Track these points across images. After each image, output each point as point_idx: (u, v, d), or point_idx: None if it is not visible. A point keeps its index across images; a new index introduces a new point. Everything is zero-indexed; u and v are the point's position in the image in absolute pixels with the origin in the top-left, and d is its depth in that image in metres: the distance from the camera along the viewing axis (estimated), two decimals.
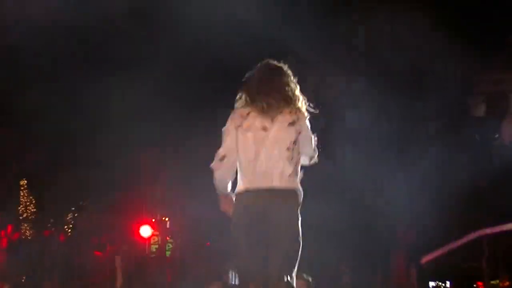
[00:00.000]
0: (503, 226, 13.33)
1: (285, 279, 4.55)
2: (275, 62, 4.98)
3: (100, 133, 17.13)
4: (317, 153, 4.95)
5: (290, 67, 5.01)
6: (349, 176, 18.15)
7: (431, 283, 16.42)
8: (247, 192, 4.70)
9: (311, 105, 4.91)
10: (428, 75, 19.61)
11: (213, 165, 4.83)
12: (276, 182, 4.66)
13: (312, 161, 4.94)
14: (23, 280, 18.52)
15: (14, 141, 16.70)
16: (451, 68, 19.31)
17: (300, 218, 4.71)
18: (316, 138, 4.94)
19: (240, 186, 4.76)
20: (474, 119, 18.07)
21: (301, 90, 4.92)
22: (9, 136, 16.58)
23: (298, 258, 4.66)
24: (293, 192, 4.69)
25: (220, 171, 4.80)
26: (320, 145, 5.04)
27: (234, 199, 4.80)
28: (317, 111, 4.96)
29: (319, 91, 16.96)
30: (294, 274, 4.64)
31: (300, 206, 4.73)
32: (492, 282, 14.44)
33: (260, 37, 16.14)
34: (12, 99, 16.14)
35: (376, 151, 18.72)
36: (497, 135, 17.42)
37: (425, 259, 15.39)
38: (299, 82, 4.93)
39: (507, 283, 12.96)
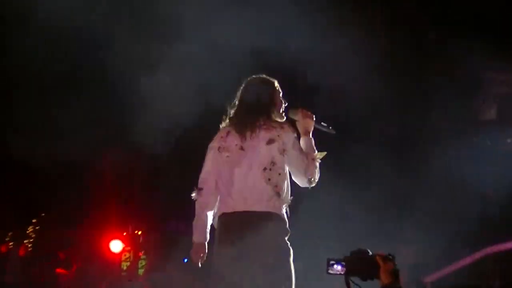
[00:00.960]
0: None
1: None
2: (260, 76, 5.04)
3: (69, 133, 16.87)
4: (316, 174, 4.85)
5: (279, 81, 5.07)
6: None
7: None
8: (224, 215, 4.78)
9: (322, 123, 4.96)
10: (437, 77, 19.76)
11: (193, 194, 4.88)
12: (253, 206, 4.68)
13: (311, 184, 4.86)
14: None
15: None
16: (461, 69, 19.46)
17: (289, 249, 4.68)
18: (322, 155, 4.90)
19: (217, 210, 4.85)
20: (485, 122, 18.20)
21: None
22: None
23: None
24: (272, 217, 4.67)
25: (201, 199, 4.82)
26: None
27: (215, 226, 4.86)
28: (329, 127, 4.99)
29: None
30: None
31: (286, 234, 4.70)
32: None
33: None
34: None
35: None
36: (510, 140, 17.56)
37: (429, 278, 15.31)
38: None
39: None
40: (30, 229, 27.18)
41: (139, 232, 22.84)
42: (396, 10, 20.20)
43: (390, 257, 4.08)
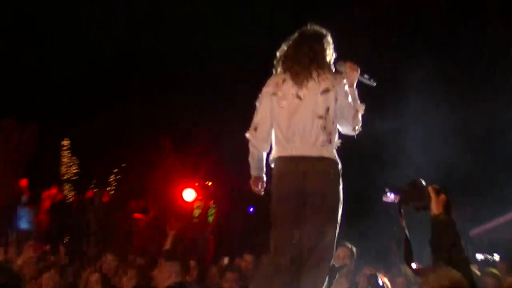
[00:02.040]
0: None
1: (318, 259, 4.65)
2: (313, 28, 5.02)
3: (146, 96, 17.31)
4: (360, 123, 4.92)
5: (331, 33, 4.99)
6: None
7: (479, 256, 16.44)
8: (280, 159, 4.83)
9: (365, 75, 4.90)
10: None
11: (247, 134, 4.97)
12: (309, 150, 4.74)
13: (356, 132, 4.94)
14: (65, 241, 18.77)
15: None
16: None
17: (339, 189, 4.77)
18: (363, 107, 4.92)
19: (274, 153, 4.90)
20: None
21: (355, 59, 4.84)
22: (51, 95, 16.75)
23: (336, 236, 4.74)
24: (327, 161, 4.77)
25: (254, 141, 4.95)
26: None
27: (272, 166, 4.92)
28: (371, 79, 4.93)
29: None
30: (330, 254, 4.74)
31: (338, 176, 4.80)
32: None
33: None
34: None
35: None
36: None
37: (474, 231, 15.56)
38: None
39: None
40: (111, 177, 27.64)
41: (210, 183, 23.23)
42: None
43: (443, 189, 4.07)
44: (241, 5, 17.52)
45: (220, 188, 23.30)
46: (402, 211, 4.08)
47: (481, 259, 16.12)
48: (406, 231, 4.11)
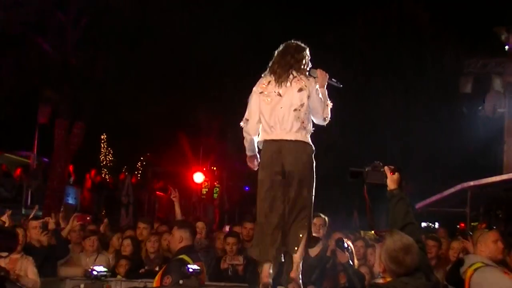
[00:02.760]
0: (482, 179, 13.52)
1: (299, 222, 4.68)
2: (293, 42, 5.02)
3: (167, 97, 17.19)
4: (328, 115, 4.92)
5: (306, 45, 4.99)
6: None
7: (423, 224, 16.50)
8: (265, 141, 4.86)
9: (333, 79, 4.95)
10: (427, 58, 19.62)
11: (241, 124, 5.00)
12: (286, 135, 4.76)
13: (325, 122, 4.93)
14: (103, 213, 18.78)
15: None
16: (446, 52, 19.30)
17: (311, 165, 4.79)
18: (331, 103, 4.94)
19: (260, 137, 4.91)
20: (463, 95, 17.96)
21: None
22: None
23: (312, 201, 4.76)
24: (300, 143, 4.77)
25: (246, 129, 4.96)
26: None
27: (260, 147, 4.94)
28: (337, 82, 4.98)
29: None
30: (307, 219, 4.74)
31: (310, 155, 4.81)
32: (473, 224, 14.55)
33: None
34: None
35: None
36: (480, 107, 17.32)
37: (419, 204, 15.62)
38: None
39: (484, 225, 12.99)
40: (139, 164, 28.01)
41: (215, 168, 23.47)
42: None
43: (397, 169, 3.96)
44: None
45: (223, 172, 23.33)
46: (365, 187, 4.01)
47: (424, 226, 16.20)
48: (369, 204, 4.08)
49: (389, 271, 3.43)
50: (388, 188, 3.91)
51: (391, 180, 3.91)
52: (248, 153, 5.03)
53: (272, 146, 4.81)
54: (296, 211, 4.75)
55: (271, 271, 4.67)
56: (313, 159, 4.83)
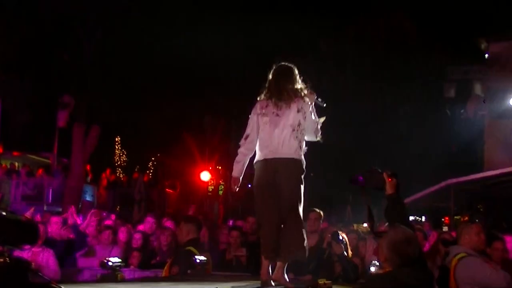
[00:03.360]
0: (464, 177, 13.54)
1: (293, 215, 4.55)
2: (285, 64, 4.86)
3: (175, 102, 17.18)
4: (320, 132, 4.79)
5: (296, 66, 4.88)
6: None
7: (411, 217, 16.44)
8: (263, 160, 4.65)
9: (318, 99, 4.83)
10: (414, 66, 19.63)
11: (240, 143, 4.78)
12: (284, 153, 4.59)
13: (317, 139, 4.78)
14: (117, 209, 18.77)
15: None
16: (431, 60, 19.31)
17: (302, 181, 4.65)
18: (320, 122, 4.80)
19: (257, 157, 4.70)
20: (447, 99, 17.99)
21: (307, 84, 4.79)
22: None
23: (301, 207, 4.63)
24: (297, 161, 4.62)
25: (244, 147, 4.74)
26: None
27: (255, 167, 4.70)
28: (322, 102, 4.86)
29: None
30: (300, 214, 4.61)
31: (303, 172, 4.67)
32: (456, 217, 14.54)
33: None
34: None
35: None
36: (463, 111, 17.35)
37: (406, 199, 15.61)
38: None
39: (466, 218, 12.91)
40: (150, 163, 28.19)
41: (220, 167, 23.36)
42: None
43: (394, 174, 3.91)
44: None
45: (227, 171, 23.24)
46: (365, 190, 4.01)
47: (412, 220, 16.15)
48: (369, 205, 4.06)
49: (391, 261, 3.39)
50: (386, 193, 3.87)
51: (390, 185, 3.87)
52: (235, 174, 4.78)
53: (269, 165, 4.61)
54: (288, 224, 4.60)
55: (270, 269, 4.57)
56: (302, 180, 4.67)
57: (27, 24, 14.31)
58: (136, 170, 23.79)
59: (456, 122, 18.22)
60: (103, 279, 5.17)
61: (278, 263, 4.55)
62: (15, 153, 19.95)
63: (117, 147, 28.80)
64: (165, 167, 24.54)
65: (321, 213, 6.41)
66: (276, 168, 4.59)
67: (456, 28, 18.97)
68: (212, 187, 23.11)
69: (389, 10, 20.45)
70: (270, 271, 4.57)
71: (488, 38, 17.58)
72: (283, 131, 4.62)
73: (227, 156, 21.76)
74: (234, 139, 20.96)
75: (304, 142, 4.71)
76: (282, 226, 4.59)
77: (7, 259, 2.70)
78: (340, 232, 5.97)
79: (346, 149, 19.11)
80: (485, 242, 4.64)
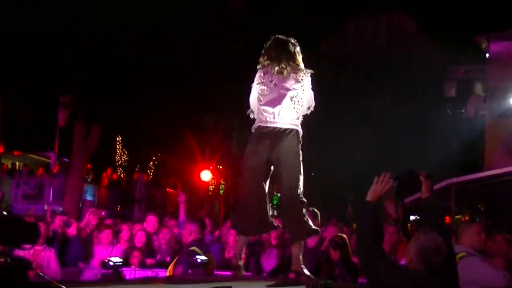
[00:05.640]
0: (465, 176, 13.53)
1: (295, 191, 4.51)
2: (282, 37, 4.86)
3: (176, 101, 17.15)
4: (313, 104, 4.77)
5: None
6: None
7: (412, 217, 16.44)
8: (259, 127, 4.65)
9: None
10: (414, 65, 19.66)
11: (249, 113, 4.84)
12: (280, 122, 4.57)
13: (310, 110, 4.77)
14: (118, 208, 18.78)
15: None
16: (432, 59, 19.33)
17: (300, 154, 4.63)
18: (313, 93, 4.79)
19: (256, 124, 4.70)
20: (448, 98, 18.00)
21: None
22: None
23: (301, 178, 4.59)
24: (294, 131, 4.60)
25: (253, 116, 4.76)
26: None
27: (252, 132, 4.73)
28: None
29: None
30: (300, 190, 4.57)
31: (300, 143, 4.65)
32: (457, 216, 14.53)
33: None
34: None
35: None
36: (463, 110, 17.36)
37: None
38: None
39: (467, 218, 12.98)
40: (151, 163, 28.34)
41: (220, 167, 23.35)
42: None
43: (430, 176, 3.71)
44: None
45: (228, 170, 23.26)
46: (400, 193, 3.83)
47: (413, 219, 16.14)
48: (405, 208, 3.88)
49: (415, 265, 3.30)
50: (422, 196, 3.67)
51: (426, 187, 3.67)
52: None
53: (266, 137, 4.60)
54: (288, 198, 4.57)
55: (243, 253, 4.61)
56: (300, 149, 4.66)
57: (27, 23, 14.29)
58: (136, 169, 23.85)
59: (457, 122, 18.23)
60: (104, 279, 5.17)
61: (295, 252, 4.51)
62: (16, 153, 19.98)
63: (118, 147, 28.80)
64: (166, 167, 24.51)
65: (317, 212, 6.35)
66: (273, 140, 4.57)
67: (456, 27, 19.00)
68: (213, 187, 23.17)
69: (389, 9, 20.45)
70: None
71: (488, 37, 17.57)
72: (281, 101, 4.59)
73: (228, 156, 21.83)
74: (235, 138, 21.03)
75: (301, 113, 4.68)
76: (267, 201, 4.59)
77: (8, 258, 2.70)
78: (340, 235, 5.95)
79: (346, 147, 19.10)
80: (485, 241, 4.66)
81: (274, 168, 4.64)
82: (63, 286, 2.96)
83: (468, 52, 18.18)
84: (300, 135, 4.67)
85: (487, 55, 17.83)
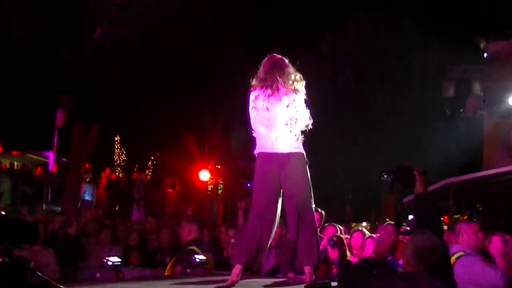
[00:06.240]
0: (464, 176, 13.55)
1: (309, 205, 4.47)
2: (276, 55, 4.72)
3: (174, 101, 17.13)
4: (311, 121, 4.66)
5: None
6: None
7: (410, 216, 16.44)
8: (260, 154, 4.59)
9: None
10: (412, 64, 19.68)
11: (254, 134, 4.67)
12: (280, 148, 4.51)
13: (308, 127, 4.67)
14: (116, 208, 18.77)
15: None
16: (430, 59, 19.36)
17: (307, 172, 4.56)
18: (308, 112, 4.68)
19: (257, 149, 4.63)
20: (446, 98, 18.02)
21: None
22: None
23: (312, 197, 4.56)
24: (295, 154, 4.53)
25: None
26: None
27: (256, 156, 4.64)
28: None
29: None
30: (315, 233, 4.56)
31: (304, 163, 4.57)
32: (455, 216, 14.54)
33: None
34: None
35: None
36: (462, 110, 17.39)
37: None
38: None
39: (466, 217, 12.99)
40: (149, 163, 28.25)
41: (219, 166, 23.21)
42: None
43: (424, 171, 3.71)
44: None
45: (226, 170, 23.23)
46: (393, 188, 3.78)
47: (411, 218, 16.13)
48: (397, 204, 3.89)
49: (413, 266, 3.30)
50: (416, 191, 3.67)
51: (420, 183, 3.68)
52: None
53: (265, 160, 4.55)
54: (299, 223, 4.49)
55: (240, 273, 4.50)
56: (307, 169, 4.59)
57: (26, 22, 14.28)
58: (135, 169, 23.91)
59: (455, 121, 18.25)
60: (103, 278, 5.18)
61: (308, 268, 4.44)
62: (14, 153, 19.96)
63: (116, 146, 28.79)
64: (165, 166, 24.51)
65: (323, 213, 6.37)
66: (279, 164, 4.51)
67: (455, 27, 19.03)
68: (212, 186, 23.02)
69: (388, 8, 20.47)
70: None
71: (486, 37, 17.59)
72: (275, 127, 4.52)
73: (227, 155, 21.82)
74: (234, 137, 20.97)
75: (299, 133, 4.61)
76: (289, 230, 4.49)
77: (7, 258, 2.71)
78: (337, 234, 5.97)
79: (345, 147, 19.12)
80: (483, 241, 4.66)
81: (284, 190, 4.55)
82: (61, 286, 2.96)
83: (467, 51, 18.21)
84: (304, 156, 4.59)
85: (486, 54, 17.85)
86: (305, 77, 4.70)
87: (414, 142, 18.27)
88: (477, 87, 17.62)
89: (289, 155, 4.52)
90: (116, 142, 28.51)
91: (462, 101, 17.85)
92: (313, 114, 4.72)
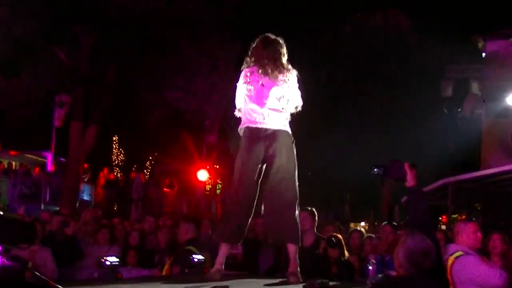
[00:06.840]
0: (462, 175, 13.56)
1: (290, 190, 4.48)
2: (269, 35, 4.77)
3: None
4: (301, 103, 4.72)
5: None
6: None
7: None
8: (247, 128, 4.59)
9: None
10: (411, 64, 19.72)
11: (236, 113, 4.76)
12: (270, 124, 4.53)
13: (298, 109, 4.72)
14: (115, 208, 18.76)
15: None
16: (429, 59, 19.39)
17: (293, 151, 4.59)
18: (299, 93, 4.74)
19: (243, 124, 4.65)
20: (444, 97, 18.03)
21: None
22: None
23: (296, 177, 4.57)
24: (282, 132, 4.56)
25: (239, 114, 4.72)
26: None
27: (240, 133, 4.66)
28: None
29: None
30: (295, 210, 4.54)
31: (292, 141, 4.61)
32: (453, 215, 14.55)
33: None
34: None
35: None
36: (460, 109, 17.39)
37: (404, 198, 15.63)
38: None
39: (464, 217, 12.99)
40: (148, 163, 28.33)
41: (217, 166, 23.29)
42: None
43: (415, 166, 3.73)
44: None
45: (225, 169, 23.22)
46: (384, 182, 3.84)
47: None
48: (388, 199, 3.90)
49: (405, 269, 3.28)
50: (407, 184, 3.73)
51: (411, 176, 3.73)
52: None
53: (254, 133, 4.55)
54: (281, 201, 4.53)
55: (223, 259, 4.54)
56: (294, 148, 4.62)
57: (24, 21, 14.27)
58: (133, 169, 23.92)
59: (454, 121, 18.27)
60: (101, 278, 5.17)
61: (293, 253, 4.49)
62: (12, 152, 19.93)
63: (114, 146, 28.80)
64: (163, 166, 24.50)
65: (314, 211, 6.27)
66: (267, 140, 4.52)
67: (453, 26, 19.04)
68: (210, 186, 23.05)
69: (386, 7, 20.50)
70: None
71: (484, 37, 17.60)
72: (268, 101, 4.53)
73: (225, 155, 21.80)
74: (232, 137, 20.97)
75: (289, 113, 4.64)
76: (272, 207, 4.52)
77: (5, 258, 2.70)
78: (335, 234, 5.96)
79: (343, 147, 19.14)
80: (482, 240, 4.65)
81: (267, 167, 4.57)
82: (59, 286, 2.96)
83: (465, 51, 18.22)
84: (290, 135, 4.63)
85: (484, 54, 17.86)
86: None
87: (412, 142, 18.29)
88: (475, 87, 17.62)
89: (278, 132, 4.55)
90: (114, 142, 28.53)
91: (460, 100, 17.85)
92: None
